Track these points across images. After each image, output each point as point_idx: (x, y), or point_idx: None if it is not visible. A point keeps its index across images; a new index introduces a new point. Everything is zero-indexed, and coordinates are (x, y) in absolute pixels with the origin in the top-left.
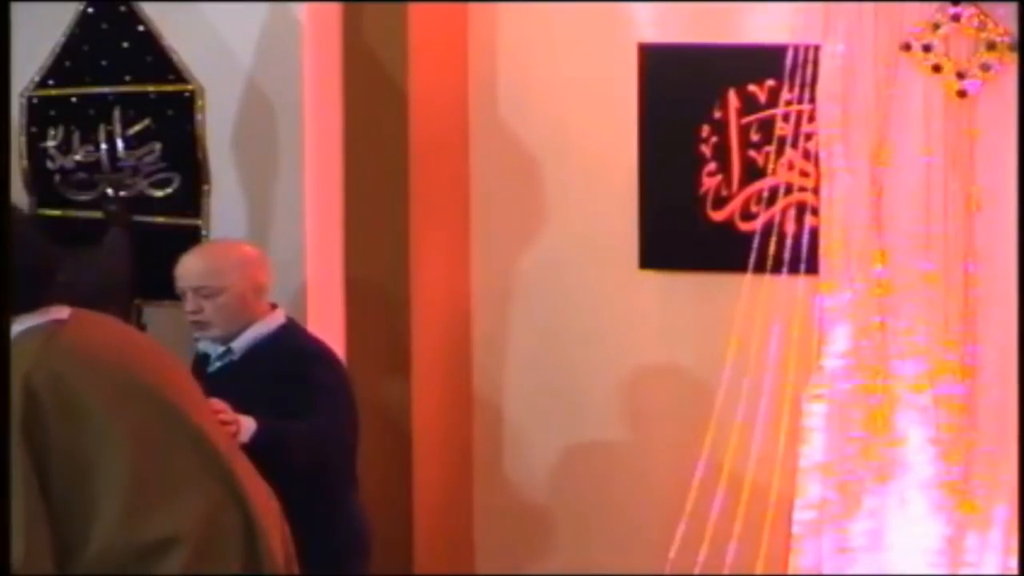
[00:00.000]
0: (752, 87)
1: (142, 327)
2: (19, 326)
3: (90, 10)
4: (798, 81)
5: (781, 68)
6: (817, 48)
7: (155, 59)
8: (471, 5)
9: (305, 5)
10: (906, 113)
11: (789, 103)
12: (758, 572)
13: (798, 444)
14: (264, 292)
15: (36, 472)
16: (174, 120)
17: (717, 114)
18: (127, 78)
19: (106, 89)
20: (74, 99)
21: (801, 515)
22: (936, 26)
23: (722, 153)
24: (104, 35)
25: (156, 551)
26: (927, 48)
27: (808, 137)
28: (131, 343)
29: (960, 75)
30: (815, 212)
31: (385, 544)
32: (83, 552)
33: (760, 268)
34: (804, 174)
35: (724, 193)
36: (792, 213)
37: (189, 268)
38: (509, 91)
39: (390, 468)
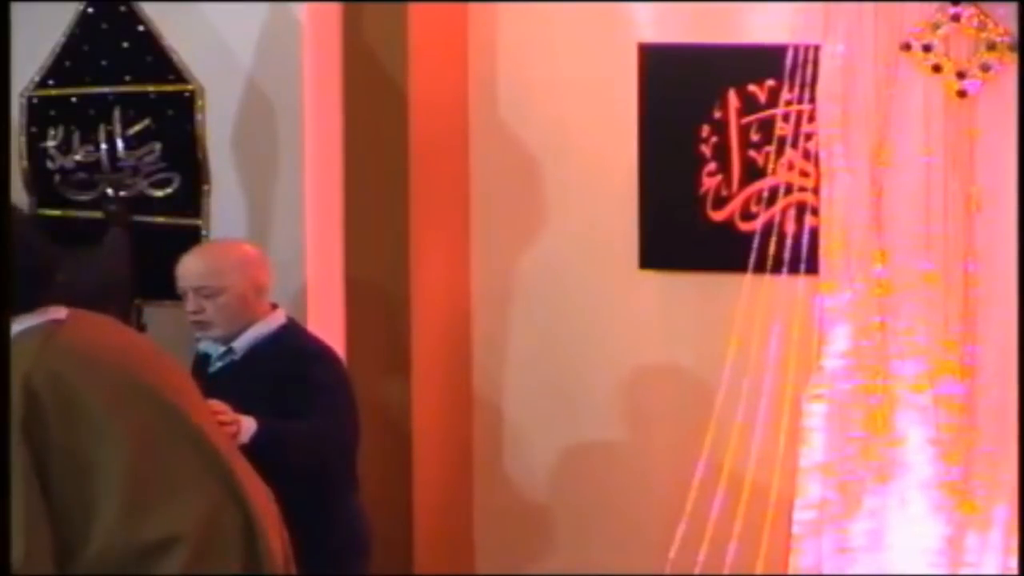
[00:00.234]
0: (752, 87)
1: (142, 327)
2: (17, 326)
3: (90, 10)
4: (798, 81)
5: (781, 68)
6: (817, 48)
7: (155, 59)
8: (471, 5)
9: (305, 5)
10: (906, 113)
11: (789, 103)
12: (758, 572)
13: (798, 444)
14: (265, 292)
15: (36, 472)
16: (174, 120)
17: (717, 114)
18: (127, 78)
19: (106, 89)
20: (74, 99)
21: (801, 515)
22: (936, 26)
23: (722, 153)
24: (104, 35)
25: (156, 551)
26: (927, 48)
27: (808, 137)
28: (130, 343)
29: (960, 75)
30: (815, 212)
31: (385, 544)
32: (83, 552)
33: (760, 268)
34: (804, 174)
35: (724, 193)
36: (792, 213)
37: (190, 268)
38: (509, 91)
39: (390, 468)
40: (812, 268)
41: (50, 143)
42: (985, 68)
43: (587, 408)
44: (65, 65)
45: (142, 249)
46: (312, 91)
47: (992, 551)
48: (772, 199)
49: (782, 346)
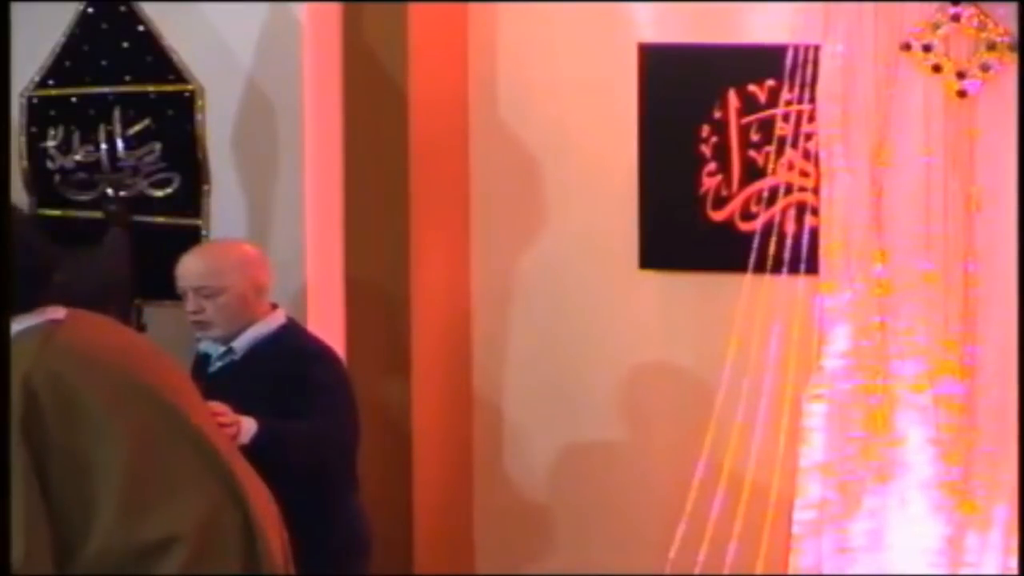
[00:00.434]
0: (752, 87)
1: (142, 327)
2: (17, 326)
3: (90, 10)
4: (798, 81)
5: (781, 68)
6: (817, 48)
7: (155, 59)
8: (471, 5)
9: (305, 5)
10: (906, 113)
11: (789, 103)
12: (758, 572)
13: (798, 444)
14: (265, 292)
15: (36, 472)
16: (174, 120)
17: (717, 114)
18: (127, 78)
19: (106, 89)
20: (74, 99)
21: (801, 515)
22: (936, 26)
23: (722, 153)
24: (104, 35)
25: (155, 551)
26: (927, 48)
27: (808, 137)
28: (129, 343)
29: (960, 75)
30: (815, 212)
31: (385, 544)
32: (82, 552)
33: (760, 268)
34: (804, 174)
35: (724, 193)
36: (792, 213)
37: (190, 268)
38: (509, 91)
39: (390, 468)
40: (812, 268)
41: (50, 143)
42: (985, 68)
43: (587, 408)
44: (65, 65)
45: (142, 249)
46: (312, 91)
47: (992, 551)
48: (772, 199)
49: (782, 346)
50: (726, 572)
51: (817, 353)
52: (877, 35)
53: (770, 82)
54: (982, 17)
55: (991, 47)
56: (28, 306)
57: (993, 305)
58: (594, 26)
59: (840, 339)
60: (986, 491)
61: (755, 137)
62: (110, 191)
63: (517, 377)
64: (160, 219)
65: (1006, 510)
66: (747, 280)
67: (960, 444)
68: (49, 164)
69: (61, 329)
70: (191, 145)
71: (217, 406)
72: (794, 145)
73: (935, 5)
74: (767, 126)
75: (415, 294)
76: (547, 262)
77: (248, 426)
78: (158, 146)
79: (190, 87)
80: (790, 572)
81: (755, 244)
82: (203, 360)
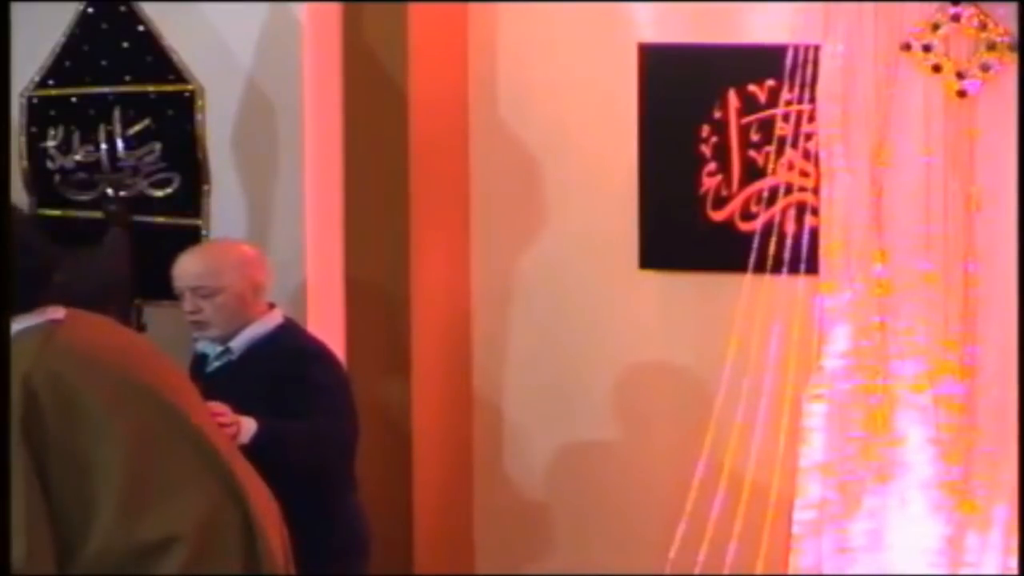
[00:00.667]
0: (752, 87)
1: (142, 327)
2: (16, 326)
3: (90, 10)
4: (798, 81)
5: (781, 68)
6: (817, 48)
7: (155, 59)
8: (471, 5)
9: (305, 5)
10: (906, 113)
11: (789, 103)
12: (758, 572)
13: (798, 444)
14: (262, 292)
15: (36, 472)
16: (174, 120)
17: (717, 114)
18: (127, 78)
19: (106, 89)
20: (74, 99)
21: (801, 515)
22: (936, 26)
23: (722, 153)
24: (104, 35)
25: (155, 551)
26: (927, 48)
27: (808, 137)
28: (129, 344)
29: (960, 75)
30: (815, 212)
31: (385, 544)
32: (82, 551)
33: (760, 268)
34: (804, 174)
35: (724, 193)
36: (792, 213)
37: (187, 268)
38: (509, 91)
39: (390, 468)
40: (812, 268)
41: (50, 143)
42: (985, 68)
43: (587, 408)
44: (65, 65)
45: (142, 249)
46: (312, 91)
47: (992, 551)
48: (772, 199)
49: (782, 346)
50: (726, 572)
51: (817, 353)
52: (877, 35)
53: (770, 82)
54: (982, 17)
55: (991, 47)
56: (28, 306)
57: (993, 305)
58: (594, 26)
59: (840, 339)
60: (986, 491)
61: (755, 137)
62: (110, 191)
63: (517, 377)
64: (160, 219)
65: (1006, 510)
66: (747, 280)
67: (960, 444)
68: (49, 164)
69: (61, 329)
70: (191, 145)
71: (217, 406)
72: (794, 145)
73: (935, 5)
74: (767, 126)
75: (415, 294)
76: (547, 262)
77: (248, 426)
78: (158, 146)
79: (190, 87)
80: (790, 572)
81: (755, 244)
82: (201, 360)
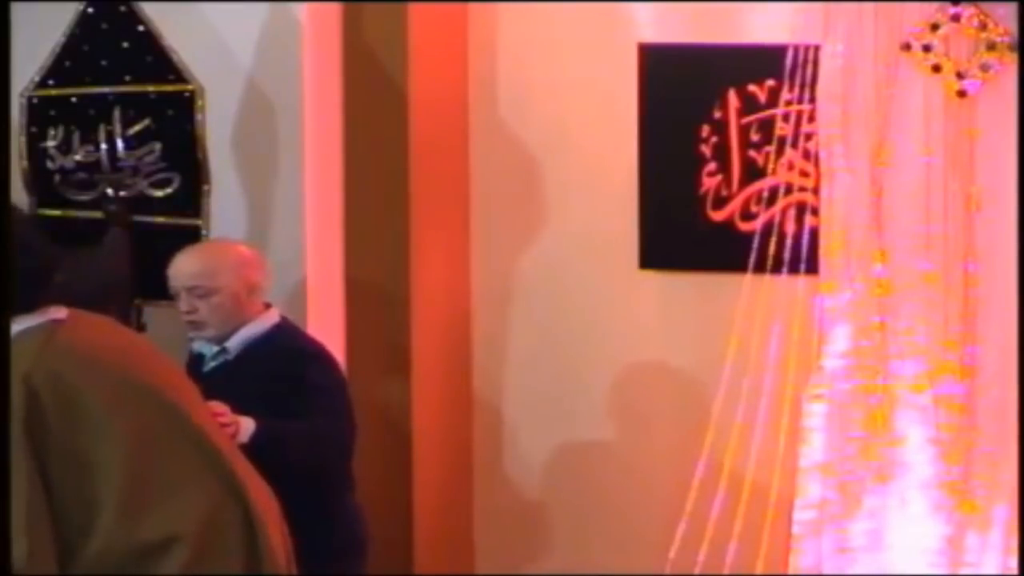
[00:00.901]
0: (752, 87)
1: (142, 327)
2: (17, 326)
3: (90, 10)
4: (798, 81)
5: (781, 68)
6: (817, 48)
7: (155, 59)
8: (471, 5)
9: (305, 5)
10: (906, 113)
11: (789, 103)
12: (758, 572)
13: (798, 444)
14: (258, 292)
15: (38, 471)
16: (174, 120)
17: (717, 114)
18: (127, 78)
19: (106, 89)
20: (74, 99)
21: (801, 515)
22: (936, 26)
23: (722, 153)
24: (104, 35)
25: (157, 550)
26: (927, 48)
27: (808, 137)
28: (129, 344)
29: (960, 75)
30: (815, 212)
31: (385, 544)
32: (83, 551)
33: (760, 268)
34: (804, 174)
35: (724, 193)
36: (792, 213)
37: (183, 268)
38: (509, 91)
39: (390, 468)
40: (812, 268)
41: (50, 143)
42: (985, 68)
43: (587, 408)
44: (65, 65)
45: (142, 249)
46: (312, 91)
47: (992, 551)
48: (772, 199)
49: (782, 346)
50: (726, 572)
51: (817, 353)
52: (877, 35)
53: (770, 82)
54: (982, 17)
55: (991, 47)
56: (29, 306)
57: (993, 305)
58: (594, 26)
59: (840, 339)
60: (986, 491)
61: (755, 137)
62: (110, 191)
63: (517, 377)
64: (160, 219)
65: (1006, 510)
66: (747, 280)
67: (960, 444)
68: (49, 164)
69: (62, 329)
70: (191, 145)
71: (217, 405)
72: (794, 145)
73: (935, 5)
74: (767, 126)
75: (415, 294)
76: (547, 262)
77: (247, 425)
78: (158, 146)
79: (190, 87)
80: (790, 572)
81: (755, 244)
82: (197, 360)
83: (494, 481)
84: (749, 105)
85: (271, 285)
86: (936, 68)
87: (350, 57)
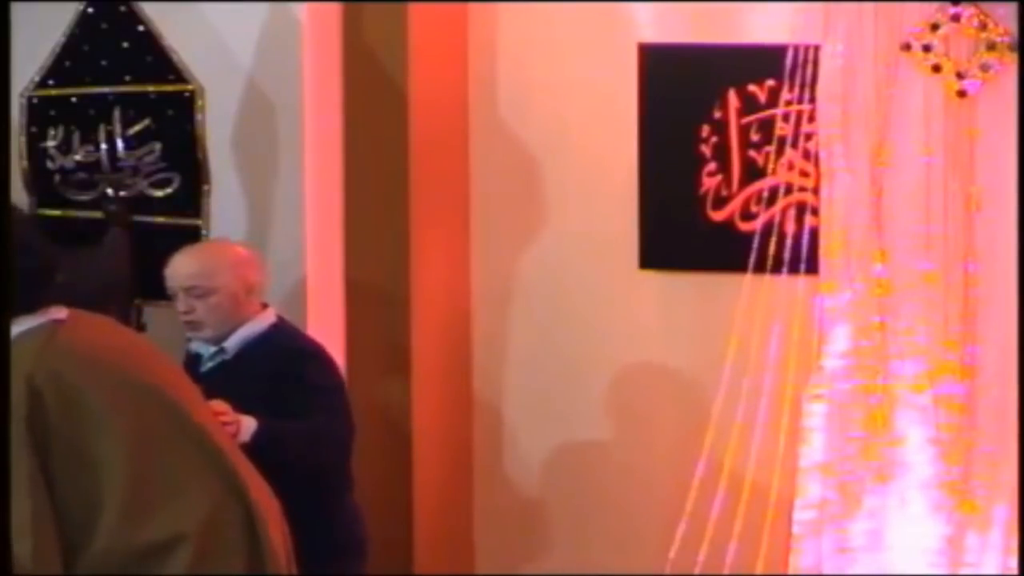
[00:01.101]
0: (752, 87)
1: (142, 327)
2: (18, 327)
3: (90, 10)
4: (798, 81)
5: (781, 68)
6: (817, 48)
7: (155, 59)
8: (471, 5)
9: (305, 5)
10: (906, 113)
11: (789, 103)
12: (758, 572)
13: (798, 444)
14: (255, 292)
15: (41, 471)
16: (174, 120)
17: (717, 114)
18: (127, 78)
19: (106, 89)
20: (74, 99)
21: (801, 515)
22: (936, 26)
23: (722, 153)
24: (104, 35)
25: (159, 550)
26: (927, 48)
27: (808, 137)
28: (130, 343)
29: (960, 75)
30: (815, 212)
31: (385, 544)
32: (86, 551)
33: (760, 268)
34: (804, 174)
35: (724, 193)
36: (792, 213)
37: (180, 269)
38: (509, 91)
39: (390, 468)
40: (812, 268)
41: (50, 143)
42: (985, 68)
43: (587, 408)
44: (65, 65)
45: (142, 249)
46: (312, 91)
47: (992, 551)
48: (772, 199)
49: (782, 346)
50: (726, 572)
51: (817, 353)
52: (877, 35)
53: (770, 82)
54: (982, 17)
55: (991, 47)
56: (30, 307)
57: (993, 305)
58: (594, 26)
59: (840, 339)
60: (986, 491)
61: (755, 137)
62: (110, 191)
63: (517, 377)
64: (160, 219)
65: (1006, 510)
66: (747, 280)
67: (960, 444)
68: (49, 164)
69: (63, 329)
70: (191, 145)
71: (218, 404)
72: (794, 145)
73: (935, 5)
74: (767, 126)
75: (415, 294)
76: (547, 262)
77: (247, 424)
78: (158, 146)
79: (190, 87)
80: (790, 572)
81: (755, 244)
82: (194, 360)
83: (494, 481)
84: (749, 105)
85: (270, 285)
86: (936, 68)
87: (350, 57)
